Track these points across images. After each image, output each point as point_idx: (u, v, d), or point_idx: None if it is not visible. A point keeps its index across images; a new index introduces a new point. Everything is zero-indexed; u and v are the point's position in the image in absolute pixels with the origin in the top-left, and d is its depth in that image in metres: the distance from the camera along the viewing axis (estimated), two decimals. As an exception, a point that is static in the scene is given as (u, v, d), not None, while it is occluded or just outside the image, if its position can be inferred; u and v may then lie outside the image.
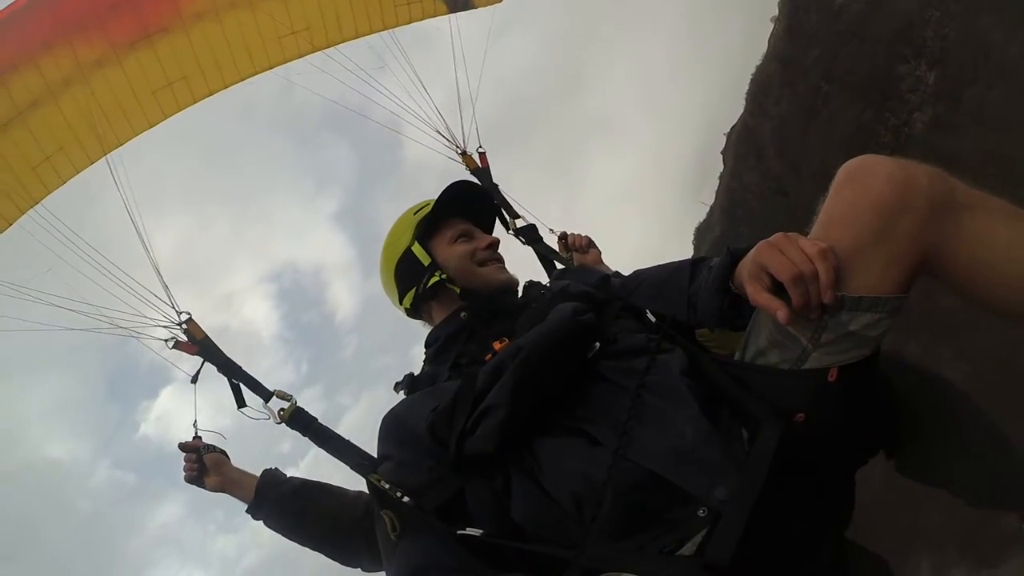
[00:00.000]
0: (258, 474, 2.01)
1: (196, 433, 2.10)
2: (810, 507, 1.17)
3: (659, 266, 1.63)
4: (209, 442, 2.11)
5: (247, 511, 1.97)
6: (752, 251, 1.14)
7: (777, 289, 1.08)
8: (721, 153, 8.64)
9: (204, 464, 2.04)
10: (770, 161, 7.03)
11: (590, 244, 2.32)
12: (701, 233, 9.61)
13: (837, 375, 1.11)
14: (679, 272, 1.49)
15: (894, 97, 4.83)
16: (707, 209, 9.36)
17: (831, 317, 1.08)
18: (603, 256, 2.30)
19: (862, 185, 1.08)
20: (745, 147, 7.58)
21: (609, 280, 1.68)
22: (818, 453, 1.15)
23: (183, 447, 2.08)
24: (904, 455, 1.35)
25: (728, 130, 8.42)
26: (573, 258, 2.27)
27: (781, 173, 6.83)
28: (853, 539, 1.32)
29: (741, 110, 7.82)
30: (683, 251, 10.35)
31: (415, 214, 1.80)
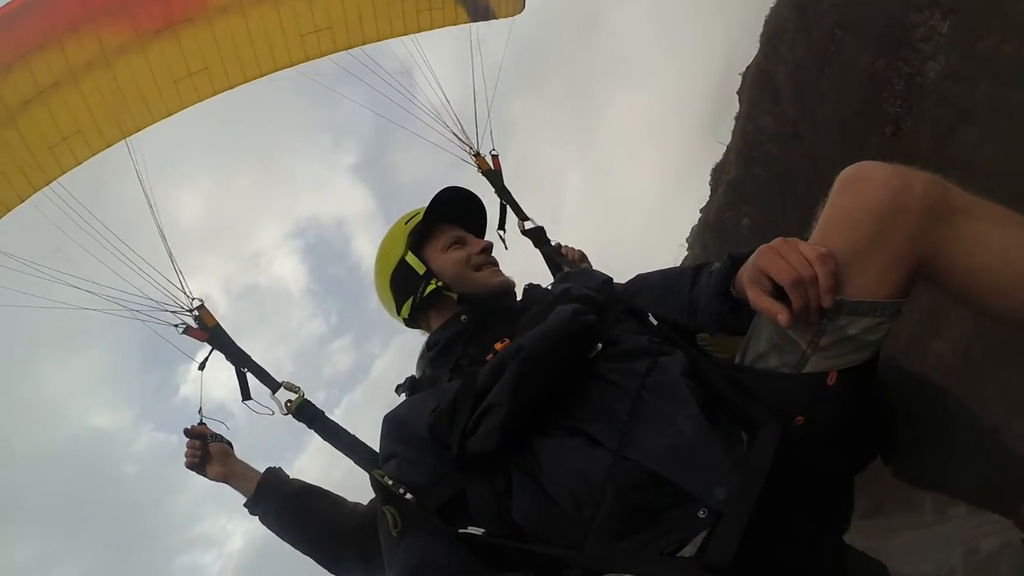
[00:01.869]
0: (261, 470, 2.01)
1: (201, 420, 2.11)
2: (809, 510, 1.18)
3: (661, 271, 1.65)
4: (215, 431, 2.11)
5: (245, 505, 1.98)
6: (752, 256, 1.16)
7: (777, 293, 1.09)
8: (737, 93, 8.54)
9: (208, 452, 2.05)
10: (785, 105, 7.03)
11: (583, 259, 2.35)
12: (717, 174, 9.54)
13: (836, 379, 1.13)
14: (681, 277, 1.51)
15: (907, 45, 4.84)
16: (723, 149, 9.31)
17: (830, 321, 1.10)
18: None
19: (859, 191, 1.10)
20: (760, 90, 7.55)
21: (612, 283, 1.69)
22: (817, 456, 1.17)
23: (188, 433, 2.08)
24: (900, 459, 1.38)
25: (744, 70, 8.35)
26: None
27: (796, 117, 6.85)
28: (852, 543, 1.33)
29: (756, 51, 7.75)
30: (700, 191, 10.34)
31: (406, 223, 1.80)
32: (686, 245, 11.53)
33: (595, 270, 1.94)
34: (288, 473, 2.04)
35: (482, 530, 1.24)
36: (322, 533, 1.88)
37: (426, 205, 1.78)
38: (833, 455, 1.20)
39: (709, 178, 9.67)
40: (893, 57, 4.95)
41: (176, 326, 2.08)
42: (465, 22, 2.84)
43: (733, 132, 8.58)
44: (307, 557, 1.90)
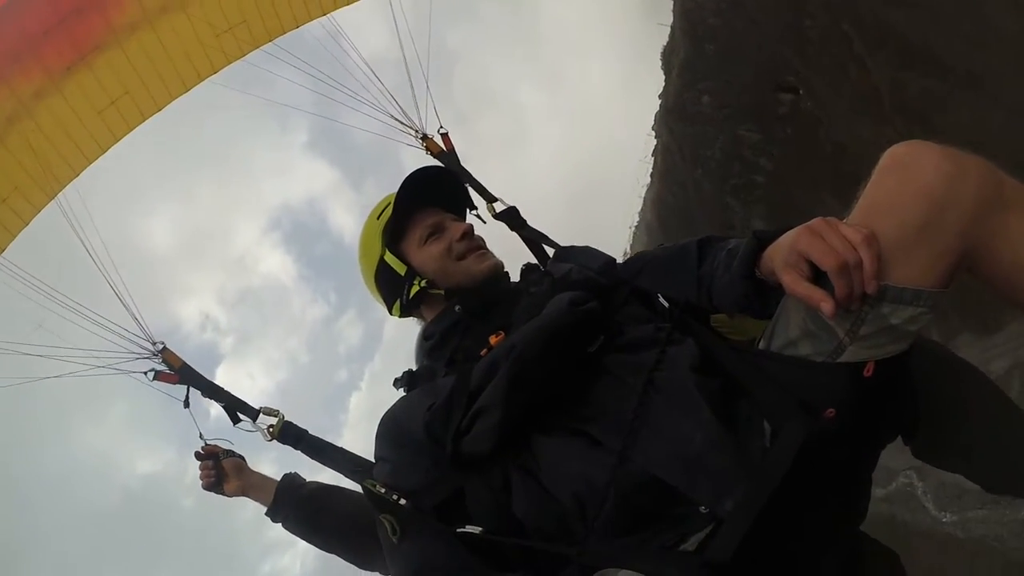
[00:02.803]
0: (278, 478, 2.05)
1: (205, 444, 2.13)
2: (825, 502, 1.14)
3: (662, 247, 1.57)
4: (227, 448, 2.14)
5: (267, 514, 2.00)
6: (788, 237, 1.08)
7: (815, 278, 1.03)
8: None
9: (223, 470, 2.09)
10: None
11: None
12: (667, 56, 9.37)
13: (873, 370, 1.08)
14: (685, 253, 1.43)
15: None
16: (667, 31, 9.14)
17: (871, 309, 1.03)
18: None
19: (909, 173, 1.02)
20: None
21: (615, 264, 1.61)
22: (840, 449, 1.12)
23: (200, 456, 2.11)
24: (922, 439, 1.32)
25: None
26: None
27: None
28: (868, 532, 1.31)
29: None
30: (655, 77, 10.11)
31: (378, 218, 1.70)
32: (653, 134, 11.43)
33: (596, 249, 1.83)
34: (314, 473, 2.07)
35: (480, 529, 1.24)
36: (344, 530, 1.90)
37: (395, 193, 1.67)
38: (856, 448, 1.16)
39: (660, 63, 9.44)
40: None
41: (146, 373, 2.08)
42: None
43: (673, 11, 8.31)
44: (336, 557, 1.93)
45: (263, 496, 2.03)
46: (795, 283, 1.03)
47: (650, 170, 13.44)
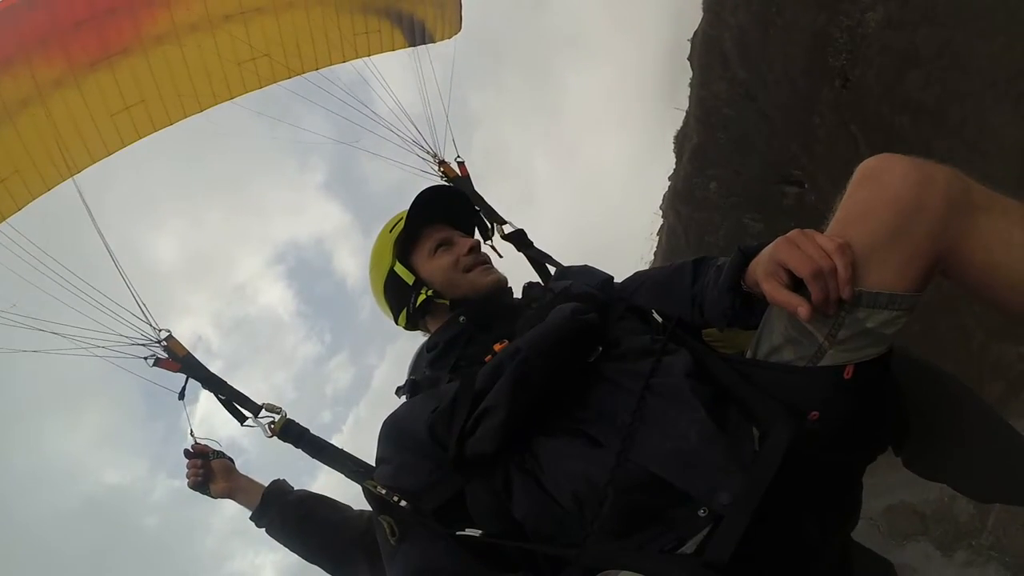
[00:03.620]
0: (265, 483, 2.02)
1: (195, 443, 2.09)
2: (816, 507, 1.17)
3: (659, 267, 1.63)
4: (216, 449, 2.11)
5: (251, 518, 1.97)
6: (768, 248, 1.14)
7: (794, 287, 1.08)
8: (688, 59, 8.60)
9: (211, 470, 2.05)
10: (735, 69, 7.15)
11: None
12: (680, 141, 9.61)
13: (853, 372, 1.11)
14: (680, 271, 1.48)
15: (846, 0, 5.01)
16: (683, 115, 9.35)
17: (848, 314, 1.08)
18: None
19: (879, 183, 1.07)
20: (709, 56, 7.65)
21: (612, 282, 1.67)
22: (829, 452, 1.15)
23: (189, 454, 2.07)
24: (911, 449, 1.36)
25: (692, 36, 8.39)
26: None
27: (747, 80, 6.99)
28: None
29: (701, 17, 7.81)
30: (667, 158, 10.37)
31: (391, 231, 1.77)
32: (660, 213, 11.61)
33: (595, 268, 1.91)
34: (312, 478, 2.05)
35: (480, 531, 1.24)
36: (328, 539, 1.88)
37: (408, 209, 1.75)
38: (844, 452, 1.18)
39: (673, 146, 9.71)
40: (833, 12, 5.06)
41: (146, 359, 2.04)
42: (404, 47, 2.81)
43: (689, 98, 8.62)
44: (317, 567, 1.89)
45: (249, 499, 2.00)
46: (775, 290, 1.08)
47: (654, 248, 13.59)
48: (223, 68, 2.56)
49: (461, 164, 2.47)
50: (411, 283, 1.70)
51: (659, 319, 1.45)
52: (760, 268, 1.14)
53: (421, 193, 1.76)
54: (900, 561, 5.08)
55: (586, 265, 2.03)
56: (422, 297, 1.69)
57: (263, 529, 1.96)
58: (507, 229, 2.22)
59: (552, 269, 2.11)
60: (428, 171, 2.52)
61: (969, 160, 4.14)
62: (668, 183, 10.15)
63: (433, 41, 2.97)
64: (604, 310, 1.46)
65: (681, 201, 9.13)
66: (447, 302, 1.68)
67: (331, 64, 2.78)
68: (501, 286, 1.73)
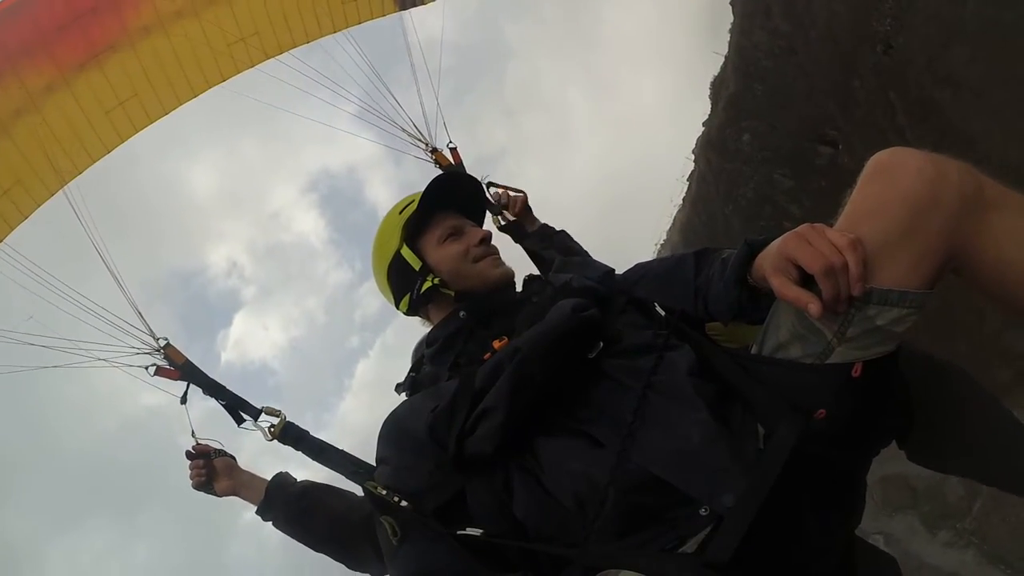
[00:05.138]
0: (268, 477, 2.01)
1: (196, 443, 2.12)
2: (820, 505, 1.15)
3: (660, 259, 1.60)
4: (218, 447, 2.13)
5: (257, 512, 1.98)
6: (777, 243, 1.11)
7: (803, 282, 1.05)
8: (731, 4, 8.23)
9: (213, 469, 2.06)
10: (777, 20, 6.80)
11: (525, 204, 2.27)
12: (716, 87, 9.30)
13: (861, 370, 1.09)
14: (682, 263, 1.46)
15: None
16: (721, 60, 9.04)
17: (858, 311, 1.05)
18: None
19: (892, 179, 1.05)
20: (751, 4, 7.30)
21: (613, 275, 1.64)
22: (834, 450, 1.14)
23: (191, 455, 2.09)
24: (915, 443, 1.33)
25: None
26: (503, 215, 2.24)
27: (789, 32, 6.65)
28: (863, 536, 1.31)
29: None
30: (703, 101, 10.09)
31: (400, 213, 1.71)
32: (692, 158, 11.27)
33: (596, 260, 1.83)
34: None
35: (480, 531, 1.24)
36: (334, 528, 1.88)
37: (420, 192, 1.70)
38: (848, 450, 1.17)
39: (709, 91, 9.29)
40: (882, -27, 4.64)
41: (146, 368, 2.09)
42: (393, 11, 2.73)
43: (729, 44, 8.16)
44: (326, 556, 1.91)
45: (253, 495, 2.00)
46: (784, 286, 1.05)
47: (683, 193, 13.23)
48: (213, 52, 2.55)
49: (454, 150, 2.40)
50: (417, 268, 1.66)
51: (661, 312, 1.43)
52: (768, 262, 1.11)
53: (437, 178, 1.73)
54: (887, 530, 5.23)
55: (586, 258, 1.99)
56: (427, 284, 1.64)
57: (270, 523, 1.99)
58: (503, 220, 2.20)
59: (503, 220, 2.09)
60: (421, 158, 2.46)
61: (1004, 147, 3.91)
62: (702, 128, 9.79)
63: (424, 3, 2.87)
64: (605, 304, 1.43)
65: (713, 150, 8.83)
66: (452, 293, 1.64)
67: (322, 36, 2.74)
68: (509, 280, 1.70)
